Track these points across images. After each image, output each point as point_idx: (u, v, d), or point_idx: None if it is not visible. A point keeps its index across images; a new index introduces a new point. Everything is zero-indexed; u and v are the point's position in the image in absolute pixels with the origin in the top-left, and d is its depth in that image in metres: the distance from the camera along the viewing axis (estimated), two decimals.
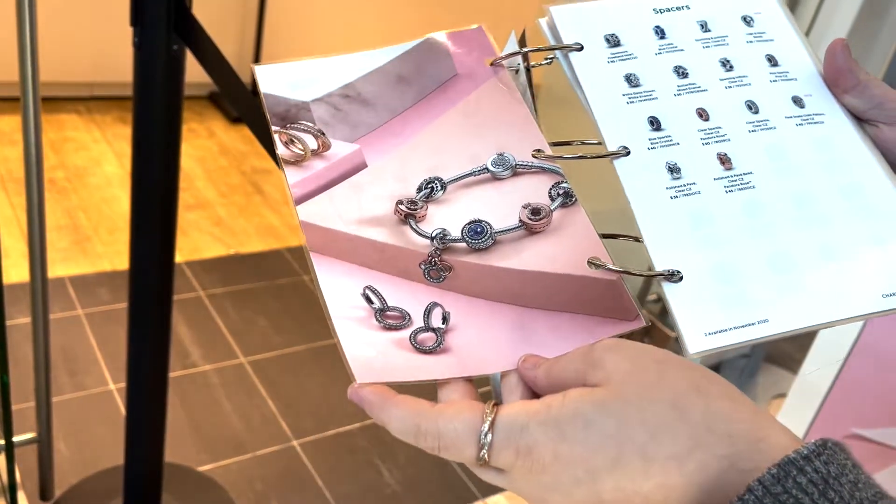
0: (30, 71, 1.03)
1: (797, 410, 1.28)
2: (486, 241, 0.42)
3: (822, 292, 0.38)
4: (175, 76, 0.96)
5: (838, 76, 0.43)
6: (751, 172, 0.40)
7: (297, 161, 0.46)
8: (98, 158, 2.55)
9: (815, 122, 0.42)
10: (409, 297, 0.41)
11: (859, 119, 0.43)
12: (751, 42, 0.44)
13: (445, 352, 0.39)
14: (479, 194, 0.43)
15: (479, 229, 0.42)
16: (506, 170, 0.44)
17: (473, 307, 0.40)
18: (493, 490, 1.63)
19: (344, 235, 0.43)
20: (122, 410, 1.61)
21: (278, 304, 2.05)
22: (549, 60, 0.46)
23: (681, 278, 0.37)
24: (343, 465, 1.62)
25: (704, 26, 0.44)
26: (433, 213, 0.43)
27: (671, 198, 0.39)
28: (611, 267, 0.38)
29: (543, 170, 0.43)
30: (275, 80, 0.49)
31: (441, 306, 0.40)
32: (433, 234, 0.42)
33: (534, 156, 0.43)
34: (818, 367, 1.20)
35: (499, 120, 0.45)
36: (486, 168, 0.44)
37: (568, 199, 0.42)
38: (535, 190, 0.43)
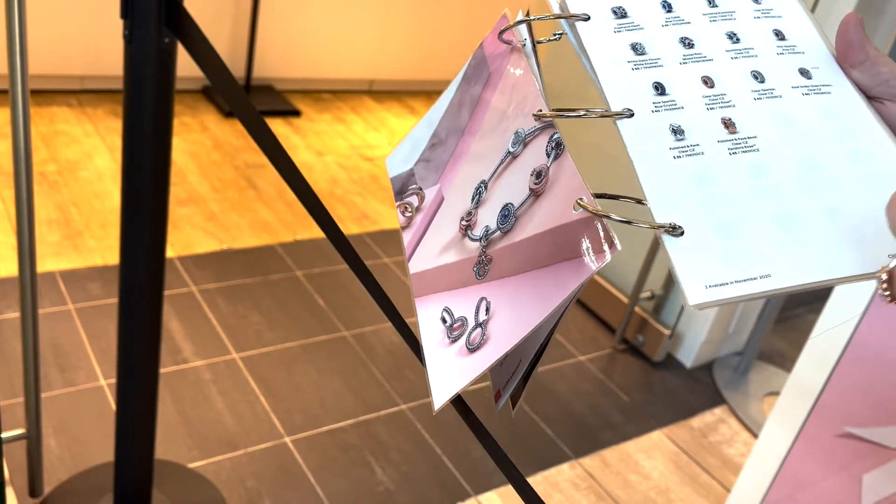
0: (18, 63, 1.02)
1: (790, 408, 1.28)
2: (510, 222, 0.43)
3: (827, 250, 0.37)
4: (166, 70, 0.95)
5: (848, 50, 0.43)
6: (755, 136, 0.40)
7: (409, 223, 0.50)
8: (90, 152, 2.53)
9: (822, 93, 0.42)
10: (469, 301, 0.43)
11: (866, 95, 0.43)
12: (758, 17, 0.45)
13: (488, 340, 0.41)
14: (508, 178, 0.45)
15: (506, 213, 0.43)
16: (521, 146, 0.44)
17: (505, 287, 0.42)
18: (487, 487, 1.62)
19: (431, 271, 0.46)
20: (113, 406, 1.60)
21: (271, 300, 2.04)
22: (557, 36, 0.46)
23: (682, 233, 0.37)
24: (335, 462, 1.61)
25: (711, 1, 0.45)
26: (481, 216, 0.45)
27: (674, 157, 0.39)
28: (610, 216, 0.38)
29: (544, 130, 0.43)
30: (395, 163, 0.53)
31: (485, 298, 0.42)
32: (479, 236, 0.45)
33: (535, 116, 0.44)
34: (833, 325, 1.19)
35: (516, 101, 0.46)
36: (509, 151, 0.45)
37: (559, 149, 0.42)
38: (540, 153, 0.43)
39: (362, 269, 0.61)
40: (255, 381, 1.77)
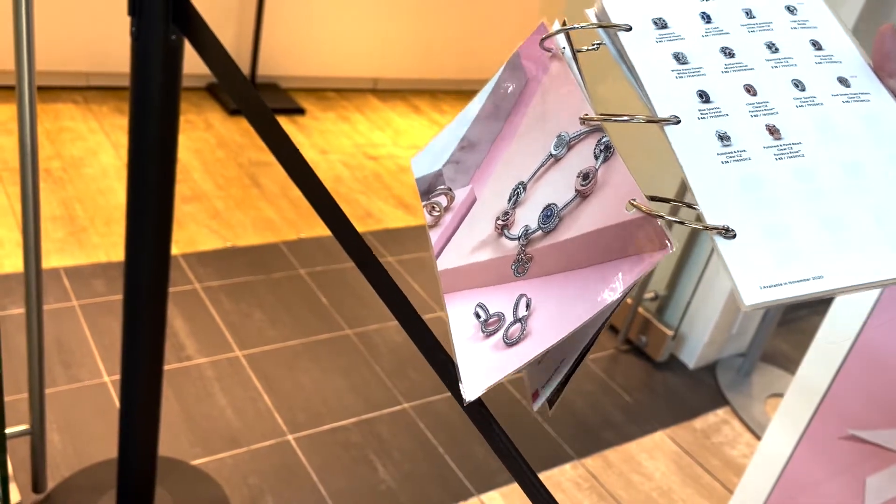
0: (25, 59, 1.02)
1: (794, 410, 1.28)
2: (553, 222, 0.44)
3: (875, 252, 0.38)
4: (173, 67, 0.95)
5: (885, 60, 0.44)
6: (800, 143, 0.41)
7: (437, 223, 0.52)
8: (95, 149, 2.53)
9: (862, 101, 0.43)
10: (506, 298, 0.45)
11: None
12: (795, 28, 0.46)
13: (528, 335, 0.42)
14: (549, 180, 0.46)
15: (548, 213, 0.45)
16: (564, 148, 0.46)
17: (548, 285, 0.43)
18: (489, 486, 1.62)
19: (463, 268, 0.48)
20: (117, 403, 1.60)
21: (274, 298, 2.05)
22: (595, 46, 0.47)
23: (734, 235, 0.38)
24: (338, 460, 1.61)
25: (749, 13, 0.46)
26: (520, 215, 0.47)
27: (722, 163, 0.40)
28: (664, 216, 0.39)
29: (591, 133, 0.45)
30: (421, 164, 0.55)
31: (525, 295, 0.44)
32: (518, 235, 0.46)
33: (581, 120, 0.45)
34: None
35: (558, 105, 0.48)
36: (551, 154, 0.46)
37: (608, 151, 0.43)
38: (587, 156, 0.44)
39: (374, 266, 0.61)
40: (257, 378, 1.77)
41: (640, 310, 2.19)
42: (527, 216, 0.46)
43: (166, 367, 1.73)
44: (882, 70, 0.44)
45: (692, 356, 2.19)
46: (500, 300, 0.45)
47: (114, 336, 1.78)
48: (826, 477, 1.22)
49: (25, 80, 1.03)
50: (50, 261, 1.97)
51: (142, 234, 1.07)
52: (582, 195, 0.43)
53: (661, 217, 0.38)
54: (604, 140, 0.43)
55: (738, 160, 0.40)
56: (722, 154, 0.40)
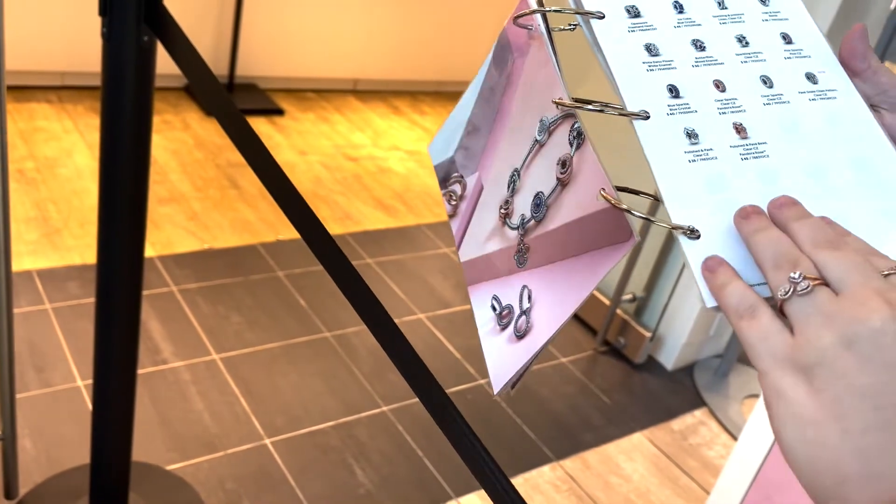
0: None
1: None
2: (542, 211, 0.44)
3: None
4: (145, 68, 0.94)
5: (851, 59, 0.44)
6: (765, 142, 0.41)
7: (455, 212, 0.51)
8: (69, 149, 2.50)
9: (828, 98, 0.44)
10: (514, 289, 0.44)
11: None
12: (766, 20, 0.46)
13: (532, 328, 0.42)
14: (537, 166, 0.45)
15: (538, 202, 0.44)
16: (546, 133, 0.45)
17: (544, 275, 0.43)
18: (468, 489, 1.62)
19: (480, 259, 0.47)
20: (90, 407, 1.58)
21: (252, 301, 2.03)
22: (571, 27, 0.47)
23: (698, 236, 0.38)
24: (316, 464, 1.60)
25: (721, 3, 0.46)
26: (517, 203, 0.45)
27: (689, 161, 0.40)
28: (636, 213, 0.39)
29: (566, 118, 0.44)
30: (436, 150, 0.53)
31: (527, 286, 0.43)
32: (517, 224, 0.45)
33: (555, 103, 0.44)
34: None
35: (539, 87, 0.47)
36: (535, 139, 0.45)
37: (580, 138, 0.42)
38: (563, 142, 0.44)
39: (346, 271, 0.61)
40: (235, 382, 1.76)
41: (619, 311, 2.20)
42: (522, 205, 0.45)
43: (142, 371, 1.71)
44: (847, 69, 0.45)
45: (670, 357, 2.20)
46: (510, 292, 0.44)
47: (88, 339, 1.76)
48: None
49: None
50: (23, 263, 1.94)
51: (114, 236, 1.05)
52: (562, 183, 0.42)
53: (628, 211, 0.38)
54: (576, 126, 0.42)
55: (704, 159, 0.40)
56: (689, 152, 0.40)
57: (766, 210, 0.38)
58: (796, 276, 0.33)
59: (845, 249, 0.34)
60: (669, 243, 2.14)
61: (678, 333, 2.18)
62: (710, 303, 0.37)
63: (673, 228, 0.38)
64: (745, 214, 0.37)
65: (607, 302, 2.21)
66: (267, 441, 1.62)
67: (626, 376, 2.13)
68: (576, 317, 2.30)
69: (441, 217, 2.67)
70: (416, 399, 1.82)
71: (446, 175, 0.52)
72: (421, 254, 2.42)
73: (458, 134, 0.52)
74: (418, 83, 3.70)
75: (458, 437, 0.55)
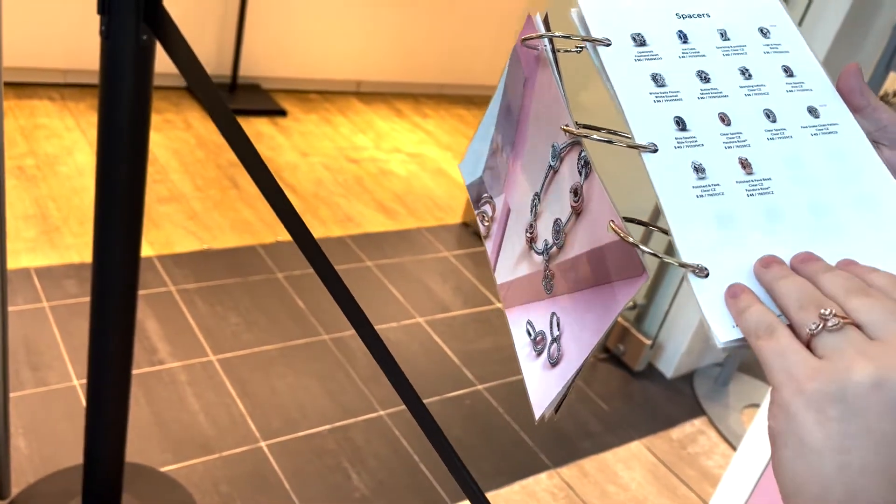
0: None
1: None
2: (562, 238, 0.43)
3: None
4: (144, 68, 0.93)
5: (850, 95, 0.45)
6: (770, 179, 0.41)
7: (488, 233, 0.50)
8: (70, 147, 2.49)
9: (830, 133, 0.44)
10: (544, 316, 0.44)
11: None
12: (767, 52, 0.46)
13: (563, 356, 0.42)
14: (553, 192, 0.45)
15: (557, 229, 0.44)
16: (557, 160, 0.44)
17: (569, 304, 0.43)
18: (463, 495, 1.61)
19: (514, 282, 0.46)
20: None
21: (250, 302, 2.02)
22: (578, 50, 0.46)
23: (707, 274, 0.38)
24: (311, 467, 1.59)
25: (724, 35, 0.46)
26: (540, 228, 0.45)
27: (697, 197, 0.40)
28: (645, 249, 0.39)
29: (573, 146, 0.43)
30: (468, 169, 0.52)
31: (556, 314, 0.43)
32: (542, 249, 0.45)
33: (563, 130, 0.44)
34: None
35: (548, 111, 0.46)
36: (550, 165, 0.45)
37: (588, 167, 0.42)
38: (573, 170, 0.43)
39: (331, 274, 0.60)
40: (231, 383, 1.75)
41: (619, 318, 2.19)
42: (544, 230, 0.45)
43: (138, 371, 1.70)
44: (847, 103, 0.45)
45: (670, 366, 2.19)
46: (542, 318, 0.44)
47: (84, 338, 1.75)
48: None
49: None
50: (21, 260, 1.93)
51: (111, 235, 1.05)
52: (575, 212, 0.42)
53: (636, 245, 0.38)
54: (582, 155, 0.42)
55: (712, 194, 0.40)
56: (697, 187, 0.40)
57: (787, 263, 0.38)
58: (827, 312, 0.33)
59: (877, 296, 0.34)
60: (670, 253, 2.13)
61: (678, 341, 2.17)
62: (723, 338, 0.36)
63: (682, 266, 0.38)
64: (766, 263, 0.38)
65: None
66: (262, 444, 1.61)
67: (625, 384, 2.12)
68: None
69: (441, 220, 2.66)
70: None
71: (478, 195, 0.52)
72: (421, 257, 2.41)
73: (484, 153, 0.52)
74: (421, 86, 3.70)
75: (438, 445, 0.55)
